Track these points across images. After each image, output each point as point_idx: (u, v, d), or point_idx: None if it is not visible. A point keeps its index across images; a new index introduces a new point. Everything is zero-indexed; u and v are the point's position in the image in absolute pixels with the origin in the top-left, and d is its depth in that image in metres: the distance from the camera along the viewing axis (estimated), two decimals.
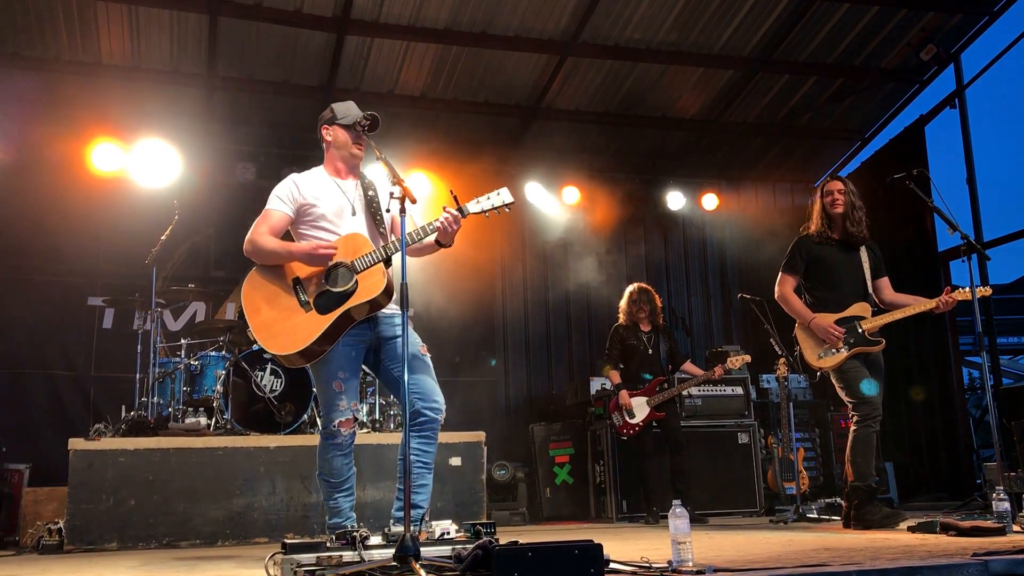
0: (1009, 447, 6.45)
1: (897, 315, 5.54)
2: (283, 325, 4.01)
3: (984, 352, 5.51)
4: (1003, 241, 9.27)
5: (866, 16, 8.89)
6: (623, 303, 7.88)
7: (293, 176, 4.26)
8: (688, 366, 7.81)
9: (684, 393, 7.88)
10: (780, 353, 7.35)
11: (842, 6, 8.74)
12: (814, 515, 7.02)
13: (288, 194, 4.18)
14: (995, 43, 9.02)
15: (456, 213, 4.08)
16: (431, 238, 4.11)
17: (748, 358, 7.77)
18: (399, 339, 4.11)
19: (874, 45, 9.31)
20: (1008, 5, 8.85)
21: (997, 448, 5.41)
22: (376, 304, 4.03)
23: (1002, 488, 4.75)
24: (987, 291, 5.55)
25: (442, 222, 4.06)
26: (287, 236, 4.25)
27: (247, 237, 4.13)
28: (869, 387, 5.39)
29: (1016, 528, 4.50)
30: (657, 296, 7.88)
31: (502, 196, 4.16)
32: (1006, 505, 4.59)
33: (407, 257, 3.76)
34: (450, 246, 4.17)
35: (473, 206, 4.15)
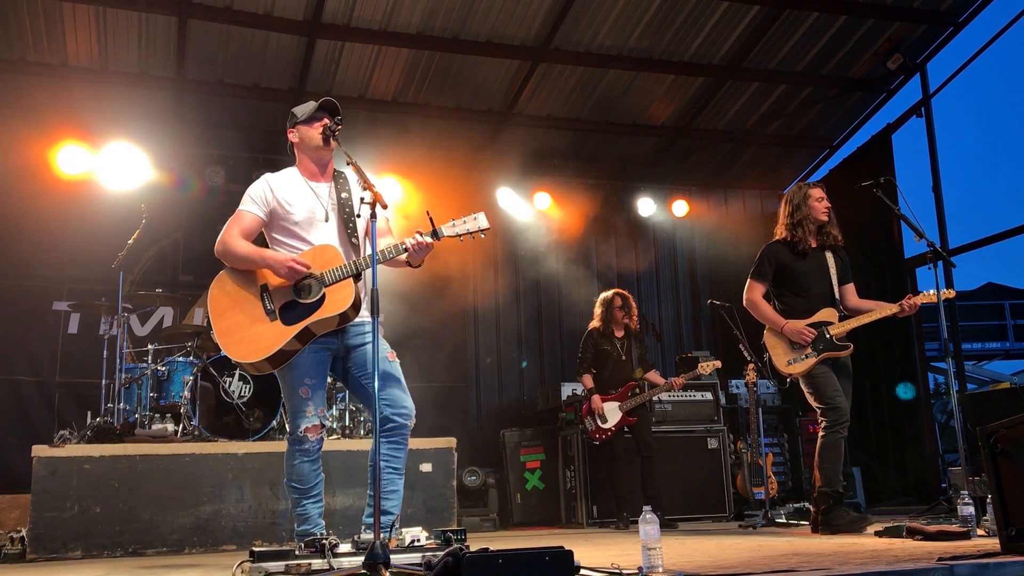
0: (974, 452, 6.52)
1: (864, 319, 5.58)
2: (246, 332, 3.96)
3: (950, 358, 5.59)
4: (968, 248, 9.41)
5: (834, 25, 9.00)
6: (599, 309, 7.88)
7: (267, 176, 4.21)
8: (651, 375, 7.84)
9: (655, 398, 7.91)
10: (749, 359, 7.40)
11: (811, 15, 8.84)
12: (783, 520, 7.07)
13: (261, 196, 4.13)
14: (960, 53, 9.21)
15: (428, 240, 4.05)
16: (402, 256, 4.09)
17: (719, 364, 7.82)
18: (366, 346, 4.08)
19: (842, 54, 9.43)
20: (973, 16, 8.99)
21: (962, 453, 5.48)
22: (344, 318, 3.99)
23: (967, 492, 4.80)
24: (951, 293, 5.62)
25: (412, 245, 4.02)
26: (259, 238, 4.21)
27: (219, 238, 4.09)
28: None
29: (980, 532, 4.56)
30: (634, 302, 7.92)
31: (478, 221, 4.13)
32: (970, 509, 4.64)
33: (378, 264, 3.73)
34: (419, 266, 4.14)
35: (448, 229, 4.11)
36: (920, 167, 9.47)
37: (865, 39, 9.23)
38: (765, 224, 10.46)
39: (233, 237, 4.06)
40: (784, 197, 5.91)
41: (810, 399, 5.57)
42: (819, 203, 5.69)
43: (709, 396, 8.75)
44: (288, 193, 4.14)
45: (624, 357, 7.76)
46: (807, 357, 5.49)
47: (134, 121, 8.63)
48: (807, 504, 7.14)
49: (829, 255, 5.73)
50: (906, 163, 9.75)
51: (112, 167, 8.50)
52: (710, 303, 8.11)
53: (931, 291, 5.49)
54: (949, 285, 8.31)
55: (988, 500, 4.26)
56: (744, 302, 5.81)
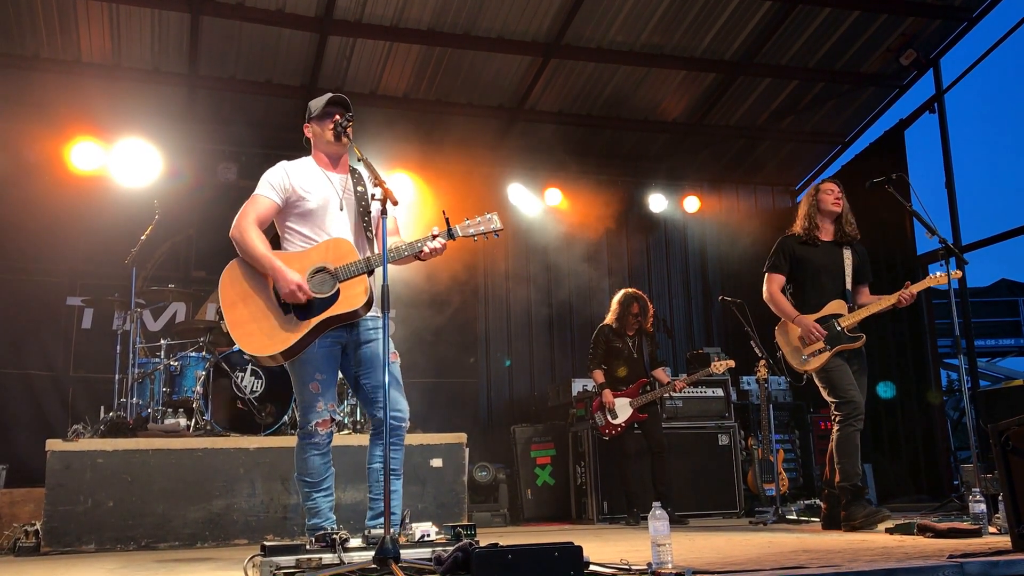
0: (986, 449, 6.50)
1: (873, 309, 5.53)
2: (259, 325, 3.96)
3: (962, 355, 5.55)
4: (981, 245, 9.36)
5: (847, 21, 8.96)
6: (616, 307, 7.85)
7: (284, 164, 4.21)
8: (658, 373, 7.83)
9: (666, 395, 7.90)
10: (760, 355, 7.38)
11: (823, 10, 8.81)
12: (793, 516, 7.06)
13: (280, 182, 4.13)
14: (974, 49, 9.08)
15: (441, 244, 4.08)
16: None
17: (732, 363, 7.80)
18: (373, 344, 4.09)
19: (855, 50, 9.38)
20: (987, 11, 8.94)
21: (974, 450, 5.46)
22: (355, 314, 4.00)
23: (978, 490, 4.79)
24: (958, 273, 5.54)
25: (429, 252, 4.05)
26: (271, 225, 4.22)
27: (235, 222, 4.08)
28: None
29: (992, 530, 4.54)
30: (651, 304, 7.91)
31: (493, 222, 4.17)
32: (982, 507, 4.63)
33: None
34: (426, 259, 4.16)
35: (462, 229, 4.15)
36: (933, 163, 9.42)
37: (878, 34, 9.18)
38: (777, 220, 10.47)
39: (250, 226, 4.04)
40: (807, 193, 5.89)
41: (824, 392, 5.53)
42: (828, 194, 5.68)
43: (720, 392, 8.73)
44: (305, 181, 4.16)
45: (636, 355, 7.76)
46: (820, 352, 5.46)
47: (147, 117, 8.68)
48: (818, 501, 7.14)
49: (847, 251, 5.68)
50: (919, 159, 9.69)
51: (125, 163, 8.54)
52: (721, 299, 8.09)
53: (938, 274, 5.43)
54: (961, 281, 8.28)
55: (1000, 498, 4.24)
56: (764, 296, 5.77)
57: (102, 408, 7.17)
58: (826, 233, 5.71)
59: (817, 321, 5.50)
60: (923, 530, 4.55)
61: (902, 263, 9.62)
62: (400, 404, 4.10)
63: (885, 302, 5.52)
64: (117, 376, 7.19)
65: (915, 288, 5.43)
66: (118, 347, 7.23)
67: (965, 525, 4.51)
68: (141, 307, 7.40)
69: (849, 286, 5.66)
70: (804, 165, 11.40)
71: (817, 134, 10.87)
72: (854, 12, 8.84)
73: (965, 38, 9.27)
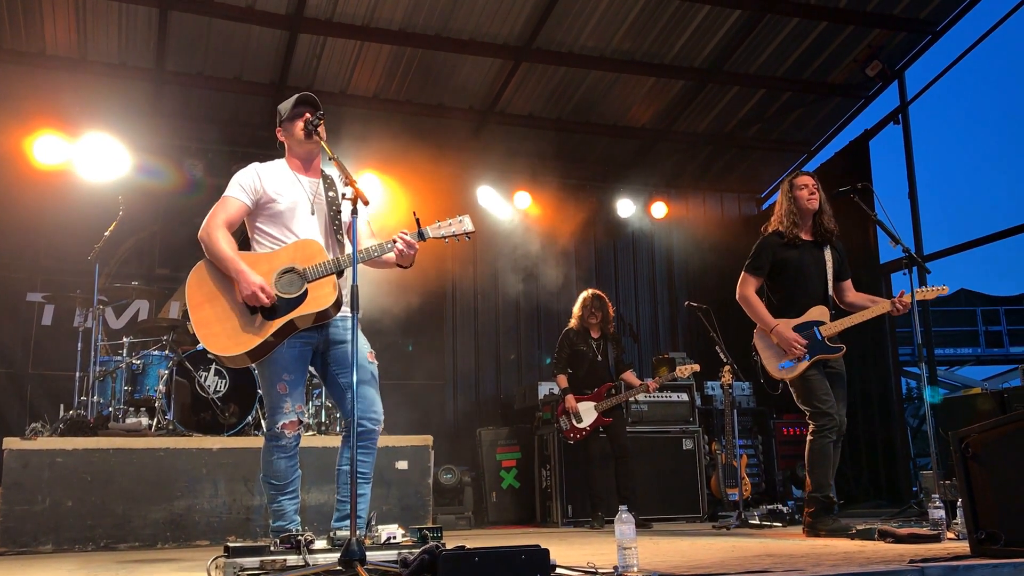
0: (945, 456, 6.60)
1: (856, 319, 5.39)
2: (226, 325, 3.92)
3: (923, 363, 5.58)
4: (943, 255, 9.52)
5: (814, 31, 9.07)
6: (576, 307, 7.88)
7: (256, 166, 4.19)
8: (627, 376, 7.86)
9: (631, 399, 7.93)
10: (725, 361, 7.44)
11: (791, 21, 8.90)
12: (756, 521, 7.11)
13: (250, 184, 4.10)
14: (938, 61, 9.26)
15: (410, 239, 4.05)
16: (389, 255, 4.08)
17: (697, 367, 7.81)
18: (347, 344, 4.06)
19: (822, 60, 9.50)
20: (951, 24, 9.09)
21: (933, 457, 5.53)
22: (324, 315, 3.97)
23: (938, 496, 4.85)
24: (945, 288, 5.47)
25: (398, 249, 4.02)
26: (241, 226, 4.19)
27: (204, 224, 4.04)
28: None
29: (950, 535, 4.61)
30: (610, 304, 7.91)
31: (464, 224, 4.15)
32: (941, 513, 4.69)
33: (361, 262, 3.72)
34: (410, 267, 4.13)
35: (433, 231, 4.12)
36: (897, 173, 9.56)
37: (845, 45, 9.30)
38: (743, 227, 10.57)
39: (217, 228, 4.01)
40: (782, 186, 5.66)
41: (798, 402, 5.37)
42: (802, 191, 5.47)
43: (685, 397, 8.77)
44: (276, 183, 4.13)
45: (600, 358, 7.77)
46: (799, 361, 5.29)
47: (113, 112, 8.56)
48: (780, 506, 7.21)
49: (827, 251, 5.51)
50: (883, 169, 9.84)
51: (89, 158, 8.41)
52: (687, 305, 8.14)
53: (923, 288, 5.35)
54: None
55: (958, 503, 4.31)
56: (737, 297, 5.55)
57: (62, 406, 7.06)
58: (805, 231, 5.50)
59: (797, 328, 5.32)
60: (884, 535, 4.60)
61: (865, 272, 9.73)
62: (376, 406, 4.08)
63: (876, 310, 5.38)
64: (78, 374, 7.08)
65: (908, 298, 5.29)
66: (79, 344, 7.11)
67: (925, 531, 4.58)
68: (103, 304, 7.28)
69: (831, 289, 5.49)
70: (770, 173, 11.52)
71: (783, 143, 10.98)
72: (822, 23, 8.95)
73: (930, 50, 9.43)
